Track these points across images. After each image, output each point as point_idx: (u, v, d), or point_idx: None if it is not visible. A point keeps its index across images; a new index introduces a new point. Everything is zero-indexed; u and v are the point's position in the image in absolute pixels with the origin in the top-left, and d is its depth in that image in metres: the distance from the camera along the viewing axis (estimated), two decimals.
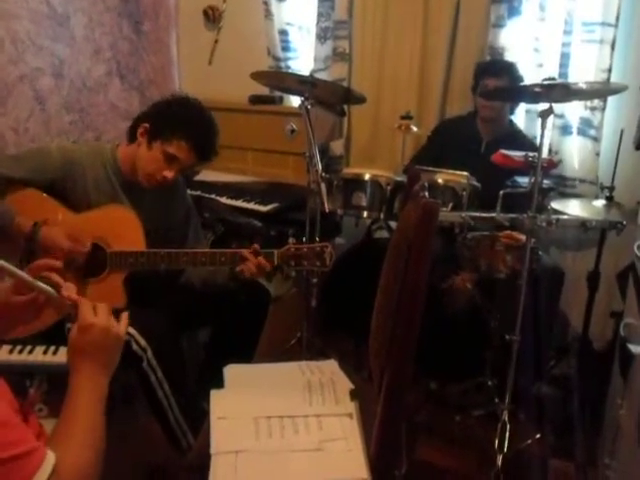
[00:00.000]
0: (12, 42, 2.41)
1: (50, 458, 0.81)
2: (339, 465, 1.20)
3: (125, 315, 1.08)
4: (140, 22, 3.00)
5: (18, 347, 1.64)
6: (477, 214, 2.02)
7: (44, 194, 1.79)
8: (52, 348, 1.65)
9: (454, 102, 2.81)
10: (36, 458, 0.80)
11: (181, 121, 1.81)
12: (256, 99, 3.02)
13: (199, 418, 1.46)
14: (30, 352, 1.63)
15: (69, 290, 1.05)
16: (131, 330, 1.67)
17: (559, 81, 1.89)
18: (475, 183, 2.17)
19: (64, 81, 2.66)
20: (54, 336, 1.56)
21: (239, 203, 2.67)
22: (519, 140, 2.46)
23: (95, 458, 0.90)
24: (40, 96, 2.57)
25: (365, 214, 2.31)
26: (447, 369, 2.39)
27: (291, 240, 1.83)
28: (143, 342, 1.68)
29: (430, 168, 2.20)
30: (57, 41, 2.60)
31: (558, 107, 2.05)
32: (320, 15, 2.93)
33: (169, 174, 1.83)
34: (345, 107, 2.88)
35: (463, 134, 2.58)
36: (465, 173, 2.15)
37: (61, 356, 1.63)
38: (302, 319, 2.46)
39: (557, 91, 1.78)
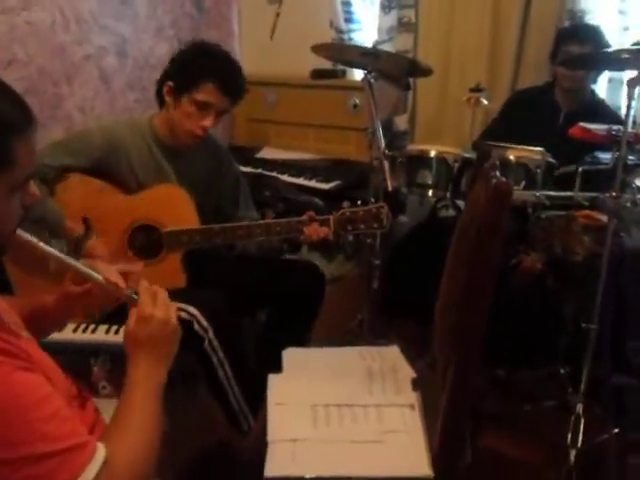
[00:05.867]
0: (77, 22, 2.44)
1: (101, 452, 0.79)
2: (400, 459, 1.15)
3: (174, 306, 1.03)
4: None
5: (82, 326, 1.68)
6: (553, 193, 1.88)
7: (95, 180, 1.79)
8: (114, 328, 1.68)
9: (528, 73, 2.64)
10: (86, 452, 0.78)
11: (201, 65, 1.77)
12: (318, 73, 2.92)
13: (259, 400, 1.44)
14: (93, 331, 1.68)
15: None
16: (193, 310, 1.68)
17: None
18: (550, 160, 2.02)
19: (127, 60, 2.69)
20: (115, 316, 1.57)
21: (300, 181, 2.63)
22: (601, 112, 2.27)
23: (149, 453, 0.88)
24: (105, 75, 2.61)
25: (430, 192, 2.21)
26: (516, 355, 2.28)
27: (346, 204, 1.78)
28: (205, 323, 1.69)
29: (501, 144, 2.06)
30: (120, 20, 2.62)
31: None
32: None
33: (207, 122, 1.79)
34: (410, 80, 2.76)
35: (539, 105, 2.40)
36: (539, 149, 2.01)
37: (122, 335, 1.65)
38: (363, 301, 2.41)
39: None
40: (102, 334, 1.66)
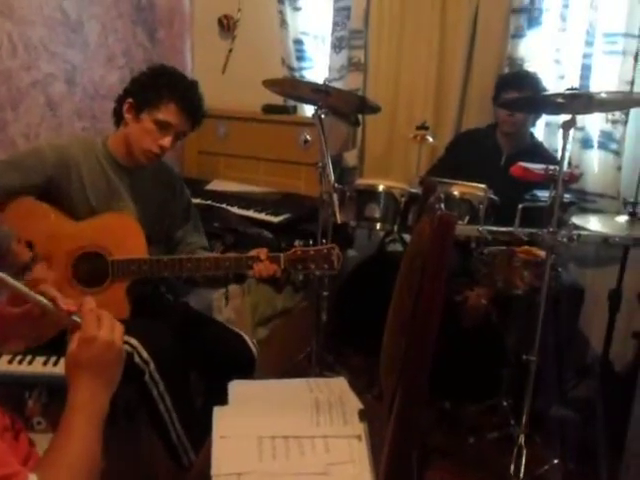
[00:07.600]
0: (25, 48, 2.40)
1: None
2: None
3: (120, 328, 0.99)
4: (154, 29, 2.98)
5: (18, 357, 1.60)
6: (495, 228, 1.95)
7: (43, 204, 1.73)
8: (53, 359, 1.61)
9: (471, 113, 2.75)
10: None
11: (164, 85, 1.76)
12: (269, 108, 2.98)
13: (201, 435, 1.40)
14: (30, 363, 1.59)
15: (68, 304, 0.99)
16: (134, 342, 1.63)
17: (582, 91, 1.83)
18: (493, 196, 2.11)
19: (76, 88, 2.65)
20: (55, 347, 1.51)
21: (250, 213, 2.63)
22: (540, 153, 2.39)
23: None
24: (52, 102, 2.55)
25: (378, 226, 2.25)
26: (461, 388, 2.31)
27: (297, 243, 1.79)
28: (145, 355, 1.64)
29: (446, 180, 2.13)
30: (70, 47, 2.58)
31: (579, 120, 1.98)
32: (335, 24, 2.89)
33: (165, 142, 1.77)
34: (360, 117, 2.83)
35: (483, 147, 2.51)
36: (482, 185, 2.09)
37: (62, 367, 1.56)
38: (312, 333, 2.40)
39: (580, 101, 1.72)
40: (40, 366, 1.58)
